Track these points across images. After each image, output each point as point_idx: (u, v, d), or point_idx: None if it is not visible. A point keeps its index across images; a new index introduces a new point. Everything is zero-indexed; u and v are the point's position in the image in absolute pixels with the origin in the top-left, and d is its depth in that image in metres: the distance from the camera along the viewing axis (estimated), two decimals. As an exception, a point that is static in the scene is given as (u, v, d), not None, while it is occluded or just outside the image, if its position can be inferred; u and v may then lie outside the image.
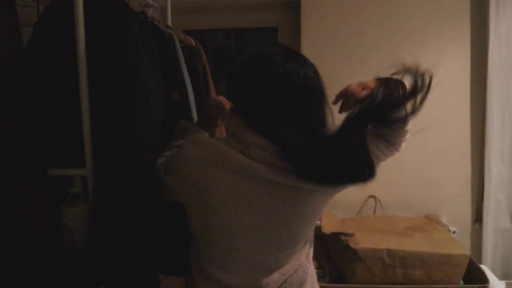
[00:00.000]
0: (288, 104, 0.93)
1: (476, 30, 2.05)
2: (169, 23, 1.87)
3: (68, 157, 1.41)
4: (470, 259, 1.71)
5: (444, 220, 2.06)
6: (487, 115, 2.02)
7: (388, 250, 1.65)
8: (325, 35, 2.12)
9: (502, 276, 2.04)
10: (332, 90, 2.19)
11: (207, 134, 1.23)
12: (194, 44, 1.64)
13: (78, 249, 1.41)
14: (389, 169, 2.13)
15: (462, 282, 1.70)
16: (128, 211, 1.22)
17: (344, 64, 2.11)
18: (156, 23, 1.43)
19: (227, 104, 1.17)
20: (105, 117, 1.23)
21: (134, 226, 1.23)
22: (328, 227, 1.84)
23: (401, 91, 1.00)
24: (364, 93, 0.99)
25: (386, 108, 0.95)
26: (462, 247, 1.71)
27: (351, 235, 1.72)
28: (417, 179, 2.15)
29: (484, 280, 1.65)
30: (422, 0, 2.07)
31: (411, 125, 1.04)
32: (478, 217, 2.15)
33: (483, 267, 1.75)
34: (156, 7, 1.86)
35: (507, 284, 1.77)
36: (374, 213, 2.13)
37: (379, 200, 2.12)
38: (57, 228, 1.42)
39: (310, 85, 0.96)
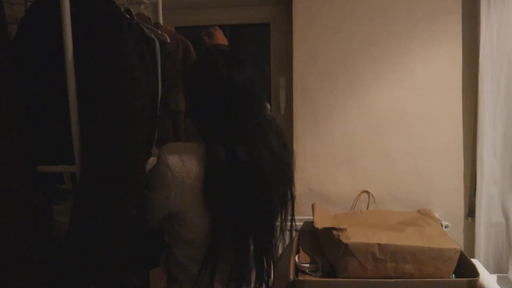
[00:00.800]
0: (228, 108, 1.02)
1: (467, 26, 2.06)
2: (161, 20, 1.87)
3: (58, 154, 1.41)
4: (462, 253, 1.72)
5: (437, 215, 2.07)
6: (479, 110, 2.03)
7: (379, 245, 1.65)
8: (317, 31, 2.13)
9: (495, 270, 2.05)
10: (323, 85, 2.21)
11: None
12: (167, 40, 1.61)
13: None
14: (382, 164, 2.16)
15: (453, 276, 1.71)
16: (111, 208, 1.20)
17: (337, 60, 2.11)
18: (139, 22, 1.43)
19: None
20: (93, 114, 1.23)
21: (117, 222, 1.21)
22: (321, 222, 1.84)
23: None
24: None
25: None
26: (453, 242, 1.72)
27: (343, 230, 1.72)
28: (410, 174, 2.16)
29: (475, 273, 1.65)
30: (413, -4, 2.08)
31: None
32: (470, 212, 2.16)
33: (474, 261, 1.76)
34: (147, 4, 1.86)
35: (498, 277, 1.78)
36: (368, 208, 2.13)
37: (372, 195, 2.13)
38: (47, 225, 1.42)
39: (250, 89, 1.03)
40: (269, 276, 1.13)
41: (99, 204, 1.19)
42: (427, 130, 2.13)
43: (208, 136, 1.03)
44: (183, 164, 1.02)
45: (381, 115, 2.14)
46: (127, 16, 1.31)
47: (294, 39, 2.12)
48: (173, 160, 1.03)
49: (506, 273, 1.91)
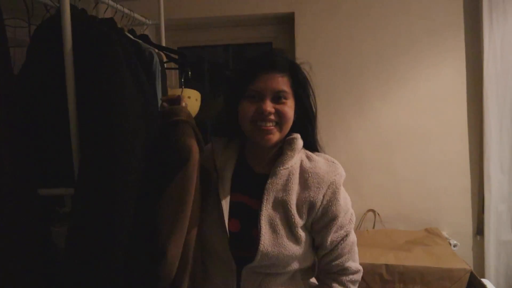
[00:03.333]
0: None
1: (470, 41, 2.05)
2: (163, 41, 1.88)
3: (58, 177, 1.40)
4: (472, 273, 1.67)
5: (444, 233, 2.03)
6: (485, 126, 2.01)
7: (387, 266, 1.62)
8: (319, 48, 2.13)
9: (505, 290, 2.00)
10: (328, 104, 2.19)
11: None
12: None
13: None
14: (388, 182, 2.13)
15: (463, 297, 1.66)
16: (106, 232, 1.17)
17: (339, 78, 2.11)
18: (136, 39, 1.43)
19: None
20: (89, 136, 1.22)
21: (112, 245, 1.17)
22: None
23: None
24: None
25: None
26: (462, 261, 1.68)
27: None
28: (416, 192, 2.13)
29: (486, 294, 1.61)
30: (416, 13, 2.07)
31: None
32: (479, 230, 2.12)
33: (485, 281, 1.71)
34: (148, 25, 1.87)
35: (510, 298, 1.72)
36: (374, 227, 2.10)
37: (379, 214, 2.09)
38: (47, 248, 1.41)
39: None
40: None
41: (90, 226, 1.17)
42: (432, 147, 2.11)
43: None
44: None
45: (386, 133, 2.12)
46: (117, 34, 1.31)
47: (296, 58, 2.11)
48: None
49: (518, 293, 1.86)
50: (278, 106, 1.00)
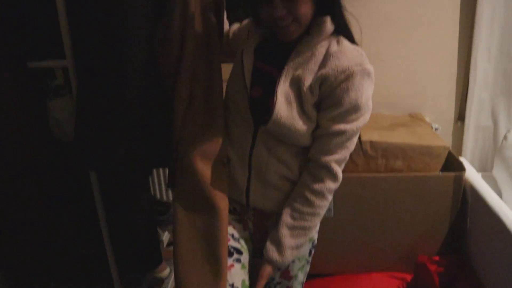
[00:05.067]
0: None
1: None
2: None
3: (47, 50, 1.39)
4: (449, 151, 1.78)
5: (427, 118, 2.11)
6: (477, 13, 1.98)
7: (371, 142, 1.70)
8: None
9: (480, 169, 2.13)
10: None
11: None
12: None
13: (68, 141, 1.44)
14: (375, 68, 2.13)
15: (440, 172, 1.78)
16: (114, 97, 1.22)
17: None
18: None
19: None
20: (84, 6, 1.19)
21: (121, 112, 1.23)
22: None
23: None
24: None
25: None
26: (442, 140, 1.77)
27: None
28: (402, 77, 2.15)
29: (461, 168, 1.73)
30: None
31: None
32: (460, 116, 2.19)
33: (461, 158, 1.83)
34: None
35: (483, 175, 1.85)
36: (360, 113, 2.16)
37: (365, 100, 2.14)
38: (43, 122, 1.43)
39: None
40: None
41: (100, 95, 1.20)
42: (421, 33, 2.09)
43: None
44: None
45: (374, 19, 2.08)
46: None
47: None
48: None
49: (491, 171, 1.99)
50: (289, 6, 0.95)
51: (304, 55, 1.04)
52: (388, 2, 2.06)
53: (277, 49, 1.08)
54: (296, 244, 1.09)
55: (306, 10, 0.97)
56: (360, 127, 1.03)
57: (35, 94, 1.40)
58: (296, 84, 1.03)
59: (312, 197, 1.06)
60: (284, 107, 1.02)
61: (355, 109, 1.01)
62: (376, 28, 2.09)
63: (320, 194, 1.06)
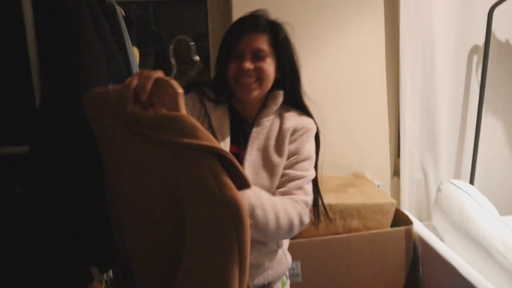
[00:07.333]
0: None
1: (388, 2, 2.26)
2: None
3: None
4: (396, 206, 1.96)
5: (368, 176, 2.29)
6: (400, 79, 2.27)
7: (330, 205, 1.81)
8: (254, 8, 2.18)
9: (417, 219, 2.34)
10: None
11: None
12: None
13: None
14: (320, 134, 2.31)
15: (390, 227, 1.94)
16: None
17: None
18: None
19: None
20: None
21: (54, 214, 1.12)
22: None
23: None
24: None
25: None
26: (389, 197, 1.95)
27: (295, 195, 1.85)
28: (343, 140, 2.34)
29: (409, 222, 1.90)
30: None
31: None
32: (396, 171, 2.42)
33: (406, 212, 2.01)
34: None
35: (425, 225, 2.04)
36: (308, 175, 2.29)
37: (312, 163, 2.29)
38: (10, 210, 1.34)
39: None
40: None
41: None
42: (355, 99, 2.33)
43: None
44: None
45: (315, 86, 2.28)
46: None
47: (233, 17, 2.16)
48: None
49: (428, 221, 2.20)
50: (257, 64, 1.12)
51: (265, 126, 1.17)
52: (328, 70, 2.28)
53: (237, 128, 1.19)
54: (261, 202, 1.02)
55: (270, 72, 1.14)
56: None
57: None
58: (263, 152, 1.15)
59: (287, 199, 1.09)
60: (251, 177, 1.09)
61: (309, 158, 1.18)
62: (317, 94, 2.27)
63: (293, 201, 1.08)
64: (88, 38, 1.08)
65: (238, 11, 2.15)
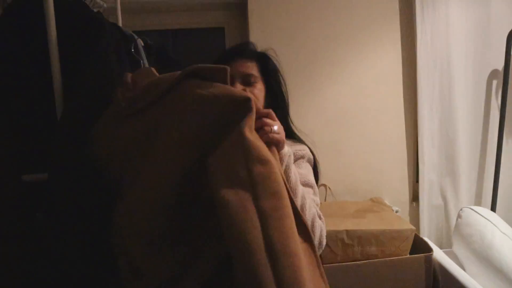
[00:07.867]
0: None
1: (405, 29, 2.29)
2: (120, 24, 1.86)
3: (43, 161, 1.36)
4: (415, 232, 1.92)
5: (386, 201, 2.27)
6: (418, 105, 2.26)
7: (347, 231, 1.79)
8: (272, 35, 2.23)
9: (437, 246, 2.29)
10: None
11: None
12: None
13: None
14: (337, 159, 2.32)
15: (409, 254, 1.90)
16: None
17: (292, 63, 2.24)
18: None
19: None
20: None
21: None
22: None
23: None
24: None
25: None
26: (408, 223, 1.91)
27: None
28: (361, 166, 2.34)
29: (428, 249, 1.86)
30: (356, 5, 2.26)
31: None
32: (414, 197, 2.39)
33: (425, 238, 1.97)
34: (104, 7, 1.84)
35: (445, 252, 2.00)
36: (325, 199, 2.28)
37: (330, 188, 2.28)
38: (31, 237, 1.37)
39: None
40: None
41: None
42: (373, 125, 2.33)
43: None
44: None
45: (333, 112, 2.30)
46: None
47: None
48: None
49: (448, 248, 2.15)
50: (247, 88, 1.14)
51: None
52: (346, 96, 2.29)
53: None
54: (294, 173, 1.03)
55: (260, 98, 1.16)
56: None
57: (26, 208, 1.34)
58: None
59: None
60: None
61: (308, 183, 1.16)
62: (335, 121, 2.30)
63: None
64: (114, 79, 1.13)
65: (255, 39, 2.20)
